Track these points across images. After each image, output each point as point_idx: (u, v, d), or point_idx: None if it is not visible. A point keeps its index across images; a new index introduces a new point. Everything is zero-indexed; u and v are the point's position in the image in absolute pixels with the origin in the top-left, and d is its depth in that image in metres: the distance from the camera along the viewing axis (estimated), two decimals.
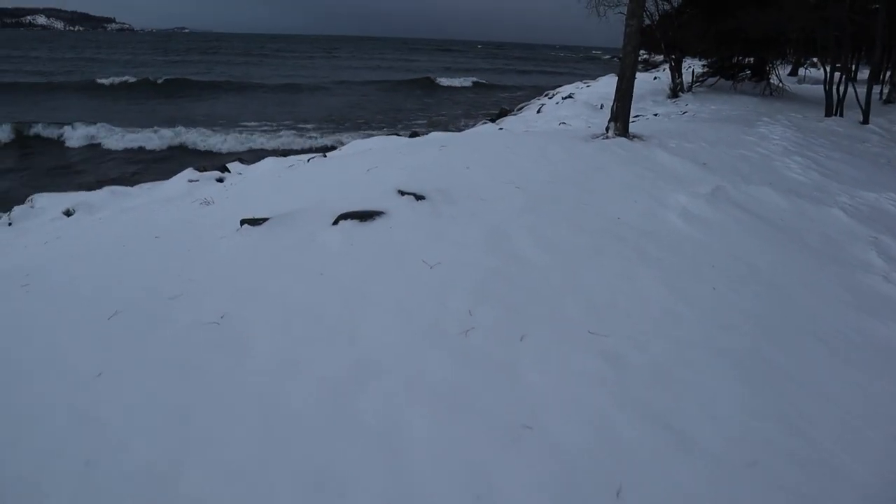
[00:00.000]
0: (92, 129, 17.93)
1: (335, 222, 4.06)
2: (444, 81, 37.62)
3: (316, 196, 5.06)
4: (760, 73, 20.50)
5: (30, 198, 8.61)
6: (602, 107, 17.24)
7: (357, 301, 2.98)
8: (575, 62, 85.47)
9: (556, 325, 2.78)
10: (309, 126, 21.34)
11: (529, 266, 3.33)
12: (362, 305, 2.94)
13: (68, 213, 7.82)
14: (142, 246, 4.56)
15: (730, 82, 20.14)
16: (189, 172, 9.59)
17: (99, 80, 31.87)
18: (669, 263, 3.51)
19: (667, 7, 17.75)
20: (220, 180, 9.24)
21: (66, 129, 17.93)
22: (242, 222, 4.32)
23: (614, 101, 7.34)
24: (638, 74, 26.39)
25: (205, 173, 9.49)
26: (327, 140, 17.44)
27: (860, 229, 4.52)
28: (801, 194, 5.30)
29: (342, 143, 13.47)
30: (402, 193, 4.52)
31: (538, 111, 18.20)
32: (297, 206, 4.65)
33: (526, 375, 2.42)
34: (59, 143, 17.51)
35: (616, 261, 3.46)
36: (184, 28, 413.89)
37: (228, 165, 10.57)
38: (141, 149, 17.13)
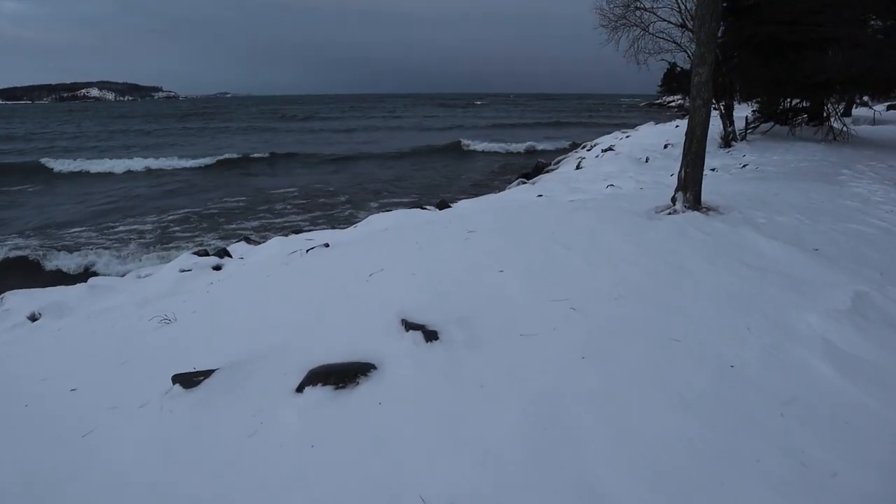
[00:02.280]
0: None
1: (300, 388, 2.68)
2: (476, 145, 35.42)
3: (294, 320, 3.72)
4: (819, 117, 18.85)
5: (2, 296, 7.54)
6: (647, 160, 15.81)
7: None
8: (607, 110, 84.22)
9: None
10: (331, 189, 20.45)
11: None
12: None
13: (33, 318, 6.68)
14: (44, 407, 3.27)
15: (785, 128, 18.52)
16: (185, 258, 8.44)
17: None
18: (855, 483, 1.99)
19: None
20: (218, 268, 8.05)
21: None
22: (175, 380, 2.99)
23: (682, 165, 5.92)
24: (680, 122, 25.00)
25: (203, 259, 8.33)
26: (350, 210, 16.31)
27: None
28: None
29: (366, 213, 12.24)
30: (408, 326, 3.14)
31: (577, 166, 16.85)
32: (263, 345, 3.32)
33: None
34: None
35: (756, 484, 1.96)
36: (226, 93, 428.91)
37: (232, 247, 9.44)
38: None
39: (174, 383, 2.96)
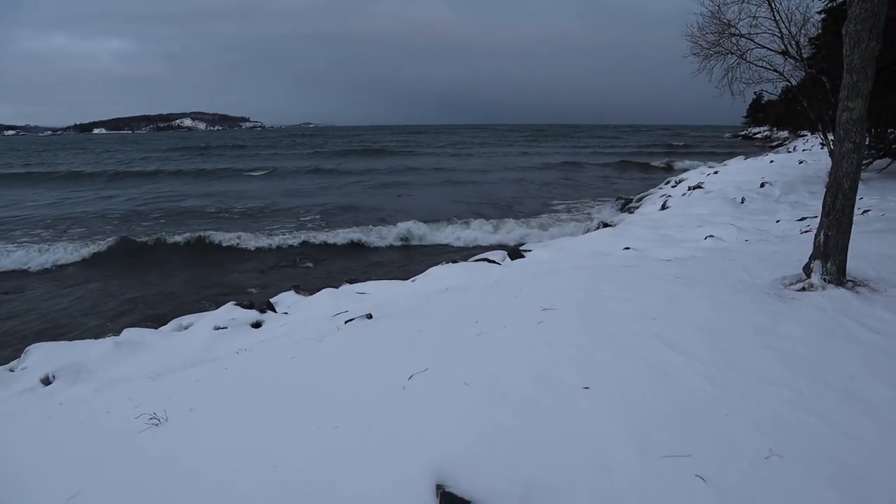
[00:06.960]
0: None
1: None
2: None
3: (291, 466, 2.69)
4: None
5: (27, 349, 6.96)
6: (743, 200, 14.14)
7: None
8: (689, 142, 79.10)
9: None
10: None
11: None
12: None
13: (46, 381, 6.01)
14: None
15: None
16: (226, 311, 7.69)
17: None
18: None
19: (822, 77, 14.31)
20: (257, 325, 7.24)
21: None
22: None
23: (821, 226, 4.58)
24: (774, 156, 22.72)
25: (243, 313, 7.53)
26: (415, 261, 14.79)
27: None
28: None
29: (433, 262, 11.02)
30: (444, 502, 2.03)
31: (663, 206, 15.33)
32: None
33: None
34: None
35: None
36: (309, 123, 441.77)
37: (280, 297, 8.63)
38: None
39: None
